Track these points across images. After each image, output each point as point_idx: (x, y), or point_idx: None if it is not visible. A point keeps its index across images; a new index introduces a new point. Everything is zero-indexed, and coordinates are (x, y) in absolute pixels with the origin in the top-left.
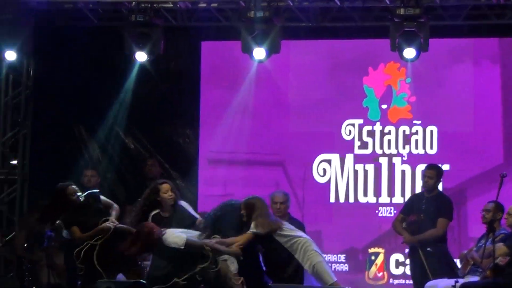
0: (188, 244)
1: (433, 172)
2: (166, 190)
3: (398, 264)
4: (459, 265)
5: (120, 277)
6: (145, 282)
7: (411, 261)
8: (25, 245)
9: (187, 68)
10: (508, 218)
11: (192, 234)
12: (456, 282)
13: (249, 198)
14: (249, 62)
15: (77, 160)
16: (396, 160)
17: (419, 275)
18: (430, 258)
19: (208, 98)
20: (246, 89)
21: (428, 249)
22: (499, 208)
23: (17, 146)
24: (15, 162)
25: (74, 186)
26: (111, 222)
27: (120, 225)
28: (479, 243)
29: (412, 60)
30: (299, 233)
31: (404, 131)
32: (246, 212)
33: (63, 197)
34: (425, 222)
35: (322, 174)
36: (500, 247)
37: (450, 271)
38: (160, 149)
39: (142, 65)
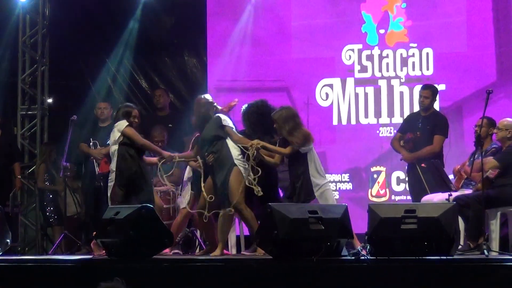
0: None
1: (429, 92)
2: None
3: (399, 181)
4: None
5: None
6: (151, 206)
7: (409, 177)
8: (46, 176)
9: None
10: (498, 132)
11: None
12: (450, 195)
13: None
14: None
15: (90, 93)
16: (395, 82)
17: (418, 190)
18: (426, 174)
19: (214, 28)
20: (248, 18)
21: (423, 165)
22: (490, 123)
23: (35, 82)
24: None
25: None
26: None
27: None
28: (472, 158)
29: None
30: None
31: (401, 54)
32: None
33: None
34: (421, 140)
35: (324, 98)
36: (490, 161)
37: (444, 185)
38: (168, 80)
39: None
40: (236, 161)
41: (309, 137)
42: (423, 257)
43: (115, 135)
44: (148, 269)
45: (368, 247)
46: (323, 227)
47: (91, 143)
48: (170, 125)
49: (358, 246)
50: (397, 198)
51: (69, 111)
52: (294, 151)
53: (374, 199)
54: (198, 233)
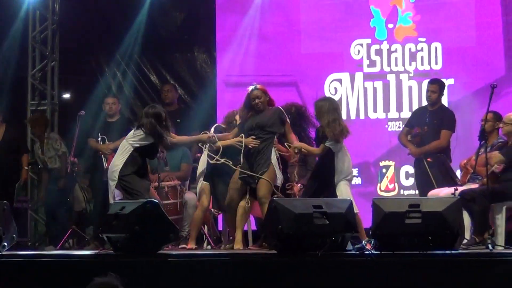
0: None
1: (436, 86)
2: None
3: (408, 175)
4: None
5: None
6: (157, 201)
7: (416, 172)
8: None
9: None
10: (504, 127)
11: None
12: (456, 189)
13: None
14: None
15: (100, 89)
16: (403, 77)
17: (424, 184)
18: (432, 168)
19: (223, 23)
20: (256, 13)
21: (429, 159)
22: (497, 117)
23: (45, 77)
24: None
25: None
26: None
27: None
28: (478, 152)
29: None
30: None
31: (410, 49)
32: None
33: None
34: (428, 134)
35: (333, 92)
36: (496, 155)
37: (451, 180)
38: (178, 75)
39: None
40: (273, 161)
41: (345, 133)
42: (427, 252)
43: None
44: (153, 263)
45: (373, 241)
46: (328, 222)
47: (99, 138)
48: (178, 120)
49: (363, 241)
50: (406, 192)
51: (78, 106)
52: (326, 149)
53: (383, 194)
54: (205, 229)
